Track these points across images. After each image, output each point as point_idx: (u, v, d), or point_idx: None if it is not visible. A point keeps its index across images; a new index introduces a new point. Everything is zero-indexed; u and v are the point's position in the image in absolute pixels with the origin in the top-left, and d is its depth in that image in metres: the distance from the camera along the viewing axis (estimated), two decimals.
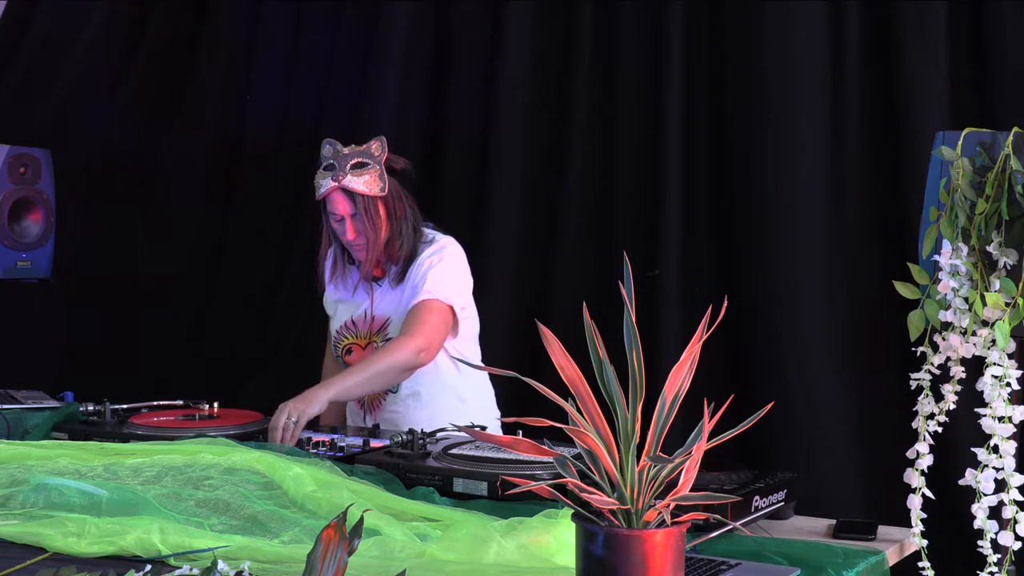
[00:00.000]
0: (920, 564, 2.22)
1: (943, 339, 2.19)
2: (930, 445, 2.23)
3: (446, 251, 3.11)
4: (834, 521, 2.39)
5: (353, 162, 3.02)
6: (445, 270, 3.08)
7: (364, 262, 3.09)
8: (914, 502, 2.22)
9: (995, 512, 2.13)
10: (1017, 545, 2.12)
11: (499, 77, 4.16)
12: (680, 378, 1.63)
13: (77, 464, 2.41)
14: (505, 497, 2.31)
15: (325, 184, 3.02)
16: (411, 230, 3.09)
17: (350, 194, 3.01)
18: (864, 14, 3.69)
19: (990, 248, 2.18)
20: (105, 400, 2.95)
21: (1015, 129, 2.23)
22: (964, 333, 2.16)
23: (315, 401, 2.83)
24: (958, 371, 2.20)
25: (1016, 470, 2.11)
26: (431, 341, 2.99)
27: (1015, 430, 2.11)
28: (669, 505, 1.60)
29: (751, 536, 2.20)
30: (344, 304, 3.22)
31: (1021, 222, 2.16)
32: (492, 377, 3.30)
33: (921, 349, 2.23)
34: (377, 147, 3.06)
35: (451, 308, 3.06)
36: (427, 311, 3.01)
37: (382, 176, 3.03)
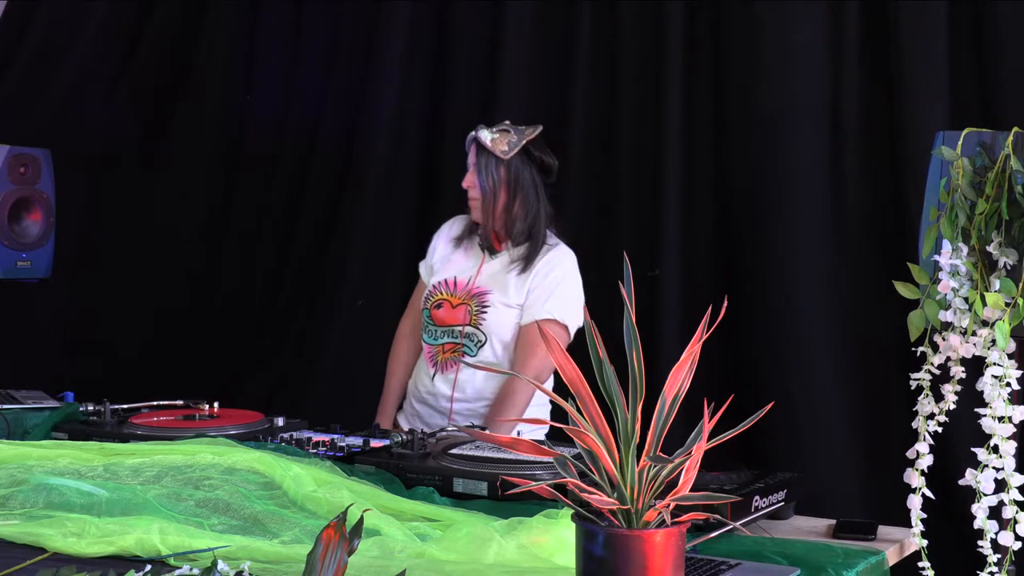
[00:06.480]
0: (920, 564, 2.22)
1: (943, 339, 2.19)
2: (930, 445, 2.22)
3: (570, 266, 3.21)
4: (834, 521, 2.38)
5: (501, 127, 3.19)
6: (572, 289, 3.19)
7: (481, 223, 3.21)
8: (914, 502, 2.22)
9: (995, 512, 2.13)
10: (1017, 545, 2.12)
11: (498, 77, 4.16)
12: (680, 378, 1.62)
13: (77, 464, 2.41)
14: (505, 497, 2.31)
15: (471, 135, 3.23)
16: (533, 216, 3.19)
17: (479, 145, 3.18)
18: (864, 14, 3.69)
19: (990, 248, 2.18)
20: (105, 400, 2.94)
21: (1015, 129, 2.23)
22: (964, 333, 2.16)
23: None
24: (958, 371, 2.19)
25: (1016, 470, 2.11)
26: (548, 366, 3.09)
27: (1015, 430, 2.11)
28: (669, 505, 1.60)
29: (751, 536, 2.20)
30: (454, 261, 3.30)
31: (1021, 222, 2.16)
32: None
33: (921, 349, 2.23)
34: (531, 131, 3.19)
35: (567, 329, 3.15)
36: (546, 333, 3.08)
37: (513, 147, 3.15)
